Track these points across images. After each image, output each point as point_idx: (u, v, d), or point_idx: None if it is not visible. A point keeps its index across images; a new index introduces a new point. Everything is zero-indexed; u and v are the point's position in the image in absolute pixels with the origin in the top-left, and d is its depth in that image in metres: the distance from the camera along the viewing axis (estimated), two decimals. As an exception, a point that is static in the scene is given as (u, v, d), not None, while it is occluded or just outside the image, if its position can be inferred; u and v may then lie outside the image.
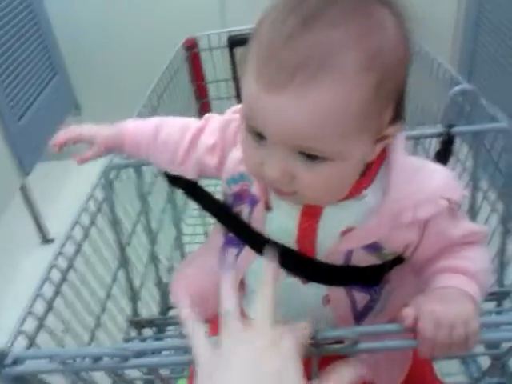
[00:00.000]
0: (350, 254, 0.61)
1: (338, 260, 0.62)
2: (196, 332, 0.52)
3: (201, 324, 0.53)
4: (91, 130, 0.81)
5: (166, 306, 1.13)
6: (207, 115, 0.72)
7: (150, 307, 1.08)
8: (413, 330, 0.53)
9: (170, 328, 1.11)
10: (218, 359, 0.48)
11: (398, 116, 0.55)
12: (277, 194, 0.57)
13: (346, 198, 0.58)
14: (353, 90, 0.48)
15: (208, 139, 0.69)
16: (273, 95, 0.49)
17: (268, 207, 0.63)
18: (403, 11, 0.52)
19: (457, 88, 0.90)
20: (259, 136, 0.53)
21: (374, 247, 0.61)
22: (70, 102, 2.50)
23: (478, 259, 0.61)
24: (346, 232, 0.60)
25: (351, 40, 0.48)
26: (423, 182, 0.59)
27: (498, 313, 0.91)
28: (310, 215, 0.61)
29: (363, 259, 0.62)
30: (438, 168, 0.64)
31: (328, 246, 0.61)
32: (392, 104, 0.53)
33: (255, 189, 0.63)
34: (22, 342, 0.63)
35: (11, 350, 0.56)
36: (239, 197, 0.67)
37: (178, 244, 1.13)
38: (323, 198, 0.57)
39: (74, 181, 2.46)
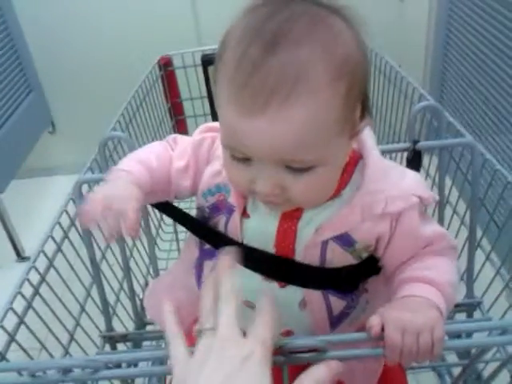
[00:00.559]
0: (324, 249, 0.63)
1: (314, 259, 0.64)
2: (175, 338, 0.53)
3: (180, 332, 0.54)
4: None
5: (140, 322, 1.12)
6: (171, 137, 0.74)
7: (124, 323, 1.08)
8: (380, 338, 0.54)
9: (145, 343, 1.11)
10: (192, 366, 0.49)
11: (365, 111, 0.59)
12: (269, 205, 0.60)
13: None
14: (326, 101, 0.51)
15: (179, 164, 0.70)
16: (251, 120, 0.51)
17: (245, 214, 0.65)
18: (350, 15, 0.55)
19: (420, 104, 0.92)
20: (243, 159, 0.55)
21: (346, 241, 0.63)
22: (45, 120, 2.49)
23: (446, 271, 0.63)
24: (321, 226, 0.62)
25: (317, 55, 0.50)
26: (395, 180, 0.63)
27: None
28: (290, 217, 0.63)
29: (338, 257, 0.64)
30: (409, 171, 0.67)
31: (305, 243, 0.63)
32: (359, 103, 0.57)
33: (232, 198, 0.65)
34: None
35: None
36: (216, 208, 0.68)
37: (153, 260, 1.13)
38: (315, 201, 0.60)
39: (49, 198, 2.45)
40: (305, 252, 0.64)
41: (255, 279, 0.66)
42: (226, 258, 0.56)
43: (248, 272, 0.66)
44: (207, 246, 0.72)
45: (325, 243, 0.63)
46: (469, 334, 0.76)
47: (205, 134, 0.70)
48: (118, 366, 0.70)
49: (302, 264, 0.64)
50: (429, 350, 0.53)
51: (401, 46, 2.19)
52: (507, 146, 1.64)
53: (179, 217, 0.76)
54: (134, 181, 0.64)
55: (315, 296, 0.66)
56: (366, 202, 0.61)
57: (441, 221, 0.99)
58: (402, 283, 0.62)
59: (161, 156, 0.70)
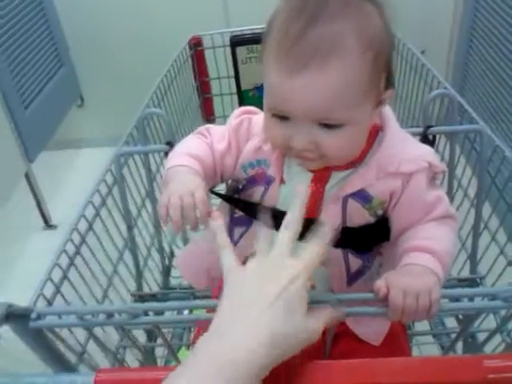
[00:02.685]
0: (345, 206, 0.72)
1: (336, 217, 0.73)
2: (226, 248, 0.62)
3: (230, 243, 0.63)
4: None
5: (167, 287, 1.21)
6: (204, 128, 0.82)
7: (152, 286, 1.17)
8: (384, 299, 0.61)
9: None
10: (248, 274, 0.57)
11: (389, 84, 0.68)
12: (303, 161, 0.70)
13: (351, 165, 0.71)
14: (357, 67, 0.61)
15: (220, 146, 0.79)
16: (294, 79, 0.60)
17: (282, 181, 0.75)
18: (382, 4, 0.65)
19: (435, 92, 0.98)
20: (283, 118, 0.65)
21: (364, 197, 0.72)
22: (74, 94, 2.57)
23: (445, 241, 0.70)
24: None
25: (349, 29, 0.61)
26: (409, 147, 0.73)
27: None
28: (319, 181, 0.73)
29: (357, 213, 0.73)
30: (423, 144, 0.78)
31: (328, 202, 0.73)
32: (384, 74, 0.67)
33: (272, 169, 0.75)
34: (41, 304, 0.71)
35: (35, 307, 0.65)
36: (253, 180, 0.78)
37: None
38: (345, 156, 0.69)
39: (77, 170, 2.54)
40: (328, 209, 0.73)
41: None
42: (301, 188, 0.63)
43: (275, 232, 0.74)
44: (238, 214, 0.80)
45: (345, 200, 0.72)
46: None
47: (242, 116, 0.79)
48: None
49: (321, 223, 0.72)
50: (426, 310, 0.60)
51: (426, 32, 2.23)
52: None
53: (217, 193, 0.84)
54: (193, 172, 0.73)
55: (336, 254, 0.75)
56: (382, 163, 0.71)
57: (450, 202, 1.05)
58: (406, 252, 0.69)
59: (201, 146, 0.78)
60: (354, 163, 0.72)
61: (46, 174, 2.32)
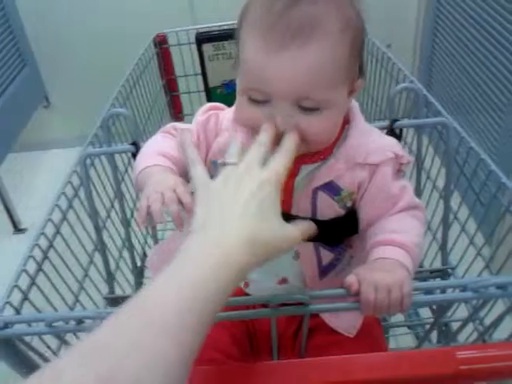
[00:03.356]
0: (315, 199, 0.73)
1: (306, 210, 0.73)
2: (195, 163, 0.64)
3: (199, 158, 0.65)
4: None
5: (140, 288, 1.19)
6: (170, 126, 0.82)
7: (125, 288, 1.15)
8: (356, 294, 0.61)
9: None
10: (216, 185, 0.59)
11: (361, 73, 0.70)
12: None
13: (319, 158, 0.72)
14: (337, 46, 0.62)
15: None
16: (278, 56, 0.60)
17: None
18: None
19: (400, 86, 0.99)
20: (261, 101, 0.65)
21: (333, 188, 0.72)
22: (39, 94, 2.52)
23: (413, 233, 0.70)
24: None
25: (330, 10, 0.62)
26: (376, 139, 0.74)
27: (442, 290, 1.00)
28: (289, 175, 0.70)
29: (327, 206, 0.73)
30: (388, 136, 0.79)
31: (299, 195, 0.73)
32: (358, 62, 0.68)
33: None
34: (8, 312, 0.69)
35: (2, 316, 0.63)
36: None
37: (152, 230, 1.20)
38: (323, 140, 0.69)
39: (44, 172, 2.50)
40: (298, 203, 0.73)
41: None
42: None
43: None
44: None
45: (315, 193, 0.72)
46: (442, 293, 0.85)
47: (209, 112, 0.78)
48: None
49: (296, 216, 0.73)
50: (398, 304, 0.60)
51: (391, 26, 2.25)
52: (491, 126, 1.71)
53: None
54: (167, 170, 0.72)
55: (307, 248, 0.76)
56: (350, 153, 0.71)
57: (418, 196, 1.06)
58: (375, 246, 0.70)
59: (170, 143, 0.77)
60: (322, 156, 0.72)
61: (14, 177, 2.28)
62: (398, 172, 0.75)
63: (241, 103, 0.68)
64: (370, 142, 0.73)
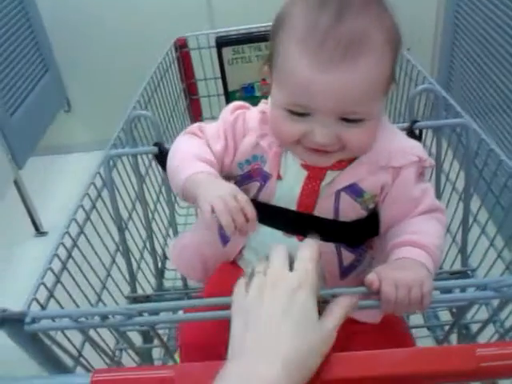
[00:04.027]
0: (338, 200, 0.73)
1: (329, 211, 0.74)
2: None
3: None
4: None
5: (161, 289, 1.21)
6: (195, 126, 0.82)
7: (145, 289, 1.17)
8: (377, 292, 0.61)
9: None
10: (250, 302, 0.56)
11: (393, 78, 0.70)
12: (319, 156, 0.69)
13: (345, 165, 0.72)
14: (383, 59, 0.64)
15: (216, 146, 0.78)
16: (328, 73, 0.61)
17: (279, 177, 0.75)
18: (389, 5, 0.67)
19: (419, 87, 1.00)
20: (301, 114, 0.65)
21: (356, 191, 0.73)
22: (61, 99, 2.55)
23: (433, 235, 0.71)
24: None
25: (374, 23, 0.62)
26: (399, 141, 0.75)
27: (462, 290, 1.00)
28: (314, 179, 0.74)
29: (349, 207, 0.74)
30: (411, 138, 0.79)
31: (322, 198, 0.74)
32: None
33: (268, 166, 0.75)
34: (34, 309, 0.71)
35: (29, 311, 0.65)
36: (249, 176, 0.78)
37: (173, 227, 1.22)
38: (363, 149, 0.70)
39: (65, 175, 2.53)
40: (321, 204, 0.74)
41: (277, 235, 0.77)
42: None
43: (269, 230, 0.77)
44: None
45: (338, 194, 0.73)
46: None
47: (237, 111, 0.79)
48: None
49: (318, 217, 0.74)
50: (419, 302, 0.60)
51: (410, 30, 2.23)
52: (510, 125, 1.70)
53: None
54: (217, 176, 0.72)
55: (329, 248, 0.77)
56: (373, 157, 0.72)
57: (437, 198, 1.06)
58: (395, 247, 0.70)
59: (204, 148, 0.77)
60: (349, 162, 0.73)
61: (36, 181, 2.31)
62: (421, 175, 0.75)
63: (279, 117, 0.68)
64: (394, 144, 0.73)
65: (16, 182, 2.08)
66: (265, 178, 0.76)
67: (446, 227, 1.12)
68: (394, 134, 0.76)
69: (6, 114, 2.00)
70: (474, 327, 0.96)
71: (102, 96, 2.54)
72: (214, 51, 1.68)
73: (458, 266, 1.10)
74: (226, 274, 0.83)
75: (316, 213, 0.75)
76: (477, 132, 0.97)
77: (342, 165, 0.73)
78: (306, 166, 0.74)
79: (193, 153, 0.76)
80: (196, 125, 0.82)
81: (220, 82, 1.73)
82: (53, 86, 2.45)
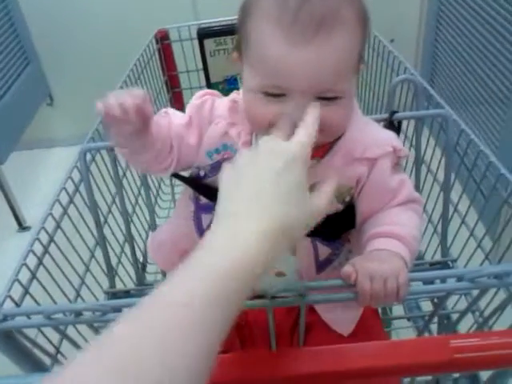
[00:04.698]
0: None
1: None
2: None
3: None
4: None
5: (141, 283, 1.20)
6: (162, 111, 0.80)
7: (127, 283, 1.16)
8: (352, 285, 0.61)
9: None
10: (244, 160, 0.57)
11: (361, 59, 0.69)
12: None
13: (317, 154, 0.70)
14: (355, 36, 0.63)
15: (180, 121, 0.76)
16: (302, 50, 0.60)
17: None
18: None
19: (399, 77, 0.99)
20: (277, 95, 0.64)
21: None
22: (43, 92, 2.53)
23: (410, 225, 0.70)
24: None
25: (346, 2, 0.62)
26: (373, 132, 0.74)
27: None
28: None
29: None
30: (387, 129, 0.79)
31: None
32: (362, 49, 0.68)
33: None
34: (9, 306, 0.70)
35: (1, 308, 0.64)
36: (218, 166, 0.75)
37: (153, 225, 1.21)
38: (340, 130, 0.70)
39: (48, 169, 2.51)
40: None
41: None
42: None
43: None
44: (203, 201, 0.80)
45: (312, 190, 0.70)
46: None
47: (205, 97, 0.78)
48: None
49: None
50: (394, 294, 0.60)
51: (394, 21, 2.24)
52: (494, 119, 1.71)
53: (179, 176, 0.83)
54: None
55: (304, 242, 0.75)
56: (347, 148, 0.71)
57: (418, 189, 1.06)
58: (372, 238, 0.70)
59: (160, 121, 0.75)
60: (321, 153, 0.71)
61: (18, 175, 2.29)
62: (396, 165, 0.74)
63: (252, 100, 0.67)
64: (368, 135, 0.73)
65: (-3, 177, 2.06)
66: None
67: (428, 218, 1.12)
68: (367, 124, 0.75)
69: (-14, 108, 1.98)
70: (455, 317, 0.96)
71: (85, 89, 2.50)
72: (196, 43, 1.66)
73: (439, 257, 1.10)
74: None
75: None
76: (457, 123, 0.97)
77: (314, 155, 0.71)
78: None
79: None
80: (164, 109, 0.80)
81: (202, 73, 1.72)
82: (34, 79, 2.43)
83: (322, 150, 0.71)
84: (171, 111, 0.79)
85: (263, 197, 0.53)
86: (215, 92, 0.80)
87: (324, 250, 0.77)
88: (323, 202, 0.57)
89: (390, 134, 0.75)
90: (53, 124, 2.67)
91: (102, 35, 2.38)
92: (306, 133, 0.59)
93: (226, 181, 0.57)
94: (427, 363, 0.51)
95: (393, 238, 0.68)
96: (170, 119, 0.77)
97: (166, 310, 0.43)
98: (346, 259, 0.78)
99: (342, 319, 0.79)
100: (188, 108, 0.78)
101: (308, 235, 0.74)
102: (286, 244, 0.53)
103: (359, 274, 0.61)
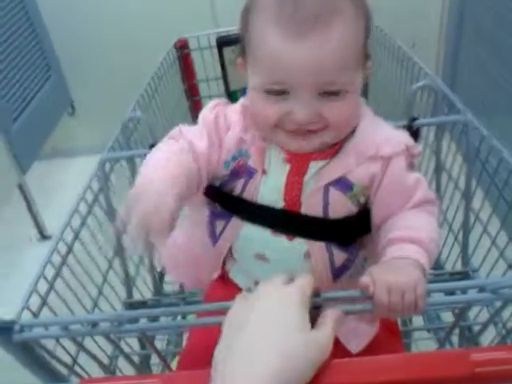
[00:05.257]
0: (326, 195, 0.71)
1: (317, 208, 0.72)
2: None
3: None
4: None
5: (158, 293, 1.20)
6: (175, 131, 0.78)
7: (145, 293, 1.16)
8: (369, 297, 0.60)
9: (163, 309, 1.18)
10: (244, 309, 0.56)
11: (367, 57, 0.70)
12: (303, 138, 0.68)
13: (329, 154, 0.71)
14: (355, 29, 0.64)
15: (202, 144, 0.74)
16: (301, 45, 0.61)
17: (264, 172, 0.73)
18: None
19: (418, 84, 0.97)
20: (279, 93, 0.65)
21: (345, 184, 0.71)
22: (65, 102, 2.56)
23: (427, 228, 0.69)
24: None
25: None
26: (385, 131, 0.73)
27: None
28: (297, 172, 0.71)
29: (339, 203, 0.72)
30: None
31: (309, 194, 0.72)
32: (366, 48, 0.69)
33: (252, 161, 0.73)
34: (26, 317, 0.70)
35: (19, 320, 0.64)
36: (235, 174, 0.75)
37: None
38: (346, 126, 0.69)
39: (70, 179, 2.53)
40: (309, 200, 0.72)
41: (265, 233, 0.74)
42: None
43: (257, 229, 0.74)
44: (218, 209, 0.79)
45: (326, 190, 0.71)
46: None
47: (216, 108, 0.78)
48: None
49: (307, 216, 0.72)
50: (413, 306, 0.59)
51: (415, 25, 2.22)
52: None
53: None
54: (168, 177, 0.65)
55: (318, 247, 0.74)
56: (360, 148, 0.70)
57: (438, 197, 1.04)
58: (389, 244, 0.68)
59: (183, 162, 0.71)
60: (332, 151, 0.71)
61: (40, 185, 2.31)
62: (411, 164, 0.73)
63: (256, 99, 0.68)
64: (380, 134, 0.72)
65: (20, 187, 2.08)
66: (250, 173, 0.74)
67: (449, 226, 1.10)
68: (379, 124, 0.74)
69: (10, 118, 2.00)
70: (477, 329, 0.94)
71: (106, 98, 2.53)
72: (216, 51, 1.66)
73: (459, 267, 1.08)
74: (218, 290, 0.84)
75: (304, 210, 0.72)
76: (479, 129, 0.95)
77: (325, 154, 0.71)
78: (288, 160, 0.72)
79: (156, 159, 0.70)
80: (176, 128, 0.79)
81: (221, 82, 1.72)
82: (57, 89, 2.45)
83: (332, 149, 0.71)
84: (187, 131, 0.76)
85: (259, 343, 0.52)
86: (222, 101, 0.80)
87: (339, 256, 0.75)
88: (328, 333, 0.55)
89: (402, 133, 0.75)
90: (74, 133, 2.69)
91: (123, 45, 2.40)
92: (306, 280, 0.59)
93: (224, 327, 0.57)
94: (447, 377, 0.49)
95: (411, 243, 0.66)
96: (192, 149, 0.73)
97: None
98: (362, 267, 0.77)
99: (353, 333, 0.77)
100: (203, 124, 0.76)
101: (322, 239, 0.73)
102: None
103: (377, 285, 0.59)
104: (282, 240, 0.74)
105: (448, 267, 1.14)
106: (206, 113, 0.78)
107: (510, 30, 1.72)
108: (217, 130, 0.76)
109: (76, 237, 0.90)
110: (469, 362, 0.50)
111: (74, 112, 2.63)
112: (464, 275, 1.04)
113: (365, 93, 1.48)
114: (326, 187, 0.71)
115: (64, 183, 2.50)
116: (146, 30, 2.33)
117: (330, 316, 0.57)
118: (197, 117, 1.69)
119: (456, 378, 0.49)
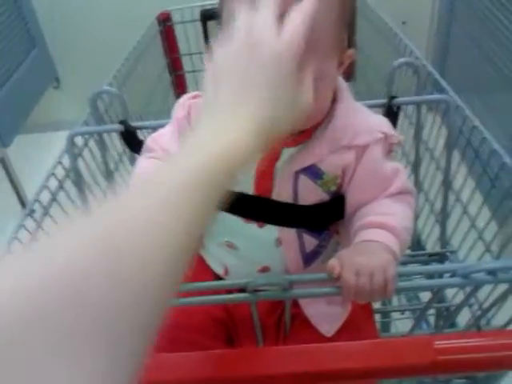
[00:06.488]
0: (296, 182, 0.69)
1: (288, 194, 0.70)
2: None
3: None
4: None
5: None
6: (148, 142, 0.78)
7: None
8: (337, 279, 0.58)
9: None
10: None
11: (350, 43, 0.66)
12: None
13: (302, 140, 0.67)
14: (329, 11, 0.57)
15: (174, 147, 0.73)
16: None
17: None
18: None
19: (400, 60, 0.93)
20: None
21: (315, 173, 0.68)
22: (49, 75, 2.51)
23: (402, 217, 0.67)
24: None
25: None
26: (363, 118, 0.69)
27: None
28: (269, 159, 0.68)
29: (309, 190, 0.69)
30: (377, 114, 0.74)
31: (280, 179, 0.69)
32: (347, 32, 0.64)
33: None
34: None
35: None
36: None
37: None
38: (314, 114, 0.63)
39: (54, 152, 2.49)
40: (279, 187, 0.69)
41: (235, 221, 0.72)
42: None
43: (228, 216, 0.72)
44: None
45: (296, 177, 0.68)
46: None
47: (188, 103, 0.75)
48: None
49: (277, 202, 0.70)
50: (382, 289, 0.57)
51: (407, 3, 2.19)
52: (510, 107, 1.66)
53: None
54: None
55: (289, 234, 0.72)
56: (334, 136, 0.67)
57: (416, 177, 1.02)
58: (361, 228, 0.66)
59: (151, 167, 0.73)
60: (306, 138, 0.68)
61: (23, 159, 2.28)
62: (389, 153, 0.71)
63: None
64: (357, 122, 0.68)
65: (2, 160, 2.05)
66: None
67: (430, 207, 1.08)
68: (357, 110, 0.71)
69: (-9, 90, 1.96)
70: (453, 309, 0.93)
71: (92, 72, 2.48)
72: (200, 25, 1.62)
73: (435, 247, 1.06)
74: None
75: (274, 196, 0.70)
76: (461, 108, 0.93)
77: (298, 140, 0.68)
78: None
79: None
80: (150, 138, 0.78)
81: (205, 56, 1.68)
82: (41, 62, 2.40)
83: (304, 136, 0.68)
84: (160, 139, 0.76)
85: (250, 88, 0.49)
86: (194, 94, 0.77)
87: (310, 242, 0.74)
88: (308, 92, 0.53)
89: (381, 120, 0.72)
90: (59, 107, 2.65)
91: (109, 18, 2.36)
92: (300, 19, 0.52)
93: (209, 79, 0.53)
94: (409, 365, 0.48)
95: (383, 228, 0.64)
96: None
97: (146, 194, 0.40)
98: (335, 252, 0.75)
99: (325, 316, 0.75)
100: (175, 124, 0.76)
101: (293, 226, 0.71)
102: (272, 137, 0.49)
103: (345, 267, 0.58)
104: (252, 227, 0.72)
105: (429, 248, 1.12)
106: (178, 111, 0.76)
107: (502, 6, 1.69)
108: (190, 126, 0.74)
109: (46, 213, 0.88)
110: (431, 349, 0.48)
111: (59, 85, 2.59)
112: (441, 256, 1.02)
113: (351, 70, 1.45)
114: (297, 174, 0.68)
115: (47, 157, 2.46)
116: (131, 2, 2.28)
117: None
118: (180, 92, 1.66)
119: (418, 365, 0.48)
